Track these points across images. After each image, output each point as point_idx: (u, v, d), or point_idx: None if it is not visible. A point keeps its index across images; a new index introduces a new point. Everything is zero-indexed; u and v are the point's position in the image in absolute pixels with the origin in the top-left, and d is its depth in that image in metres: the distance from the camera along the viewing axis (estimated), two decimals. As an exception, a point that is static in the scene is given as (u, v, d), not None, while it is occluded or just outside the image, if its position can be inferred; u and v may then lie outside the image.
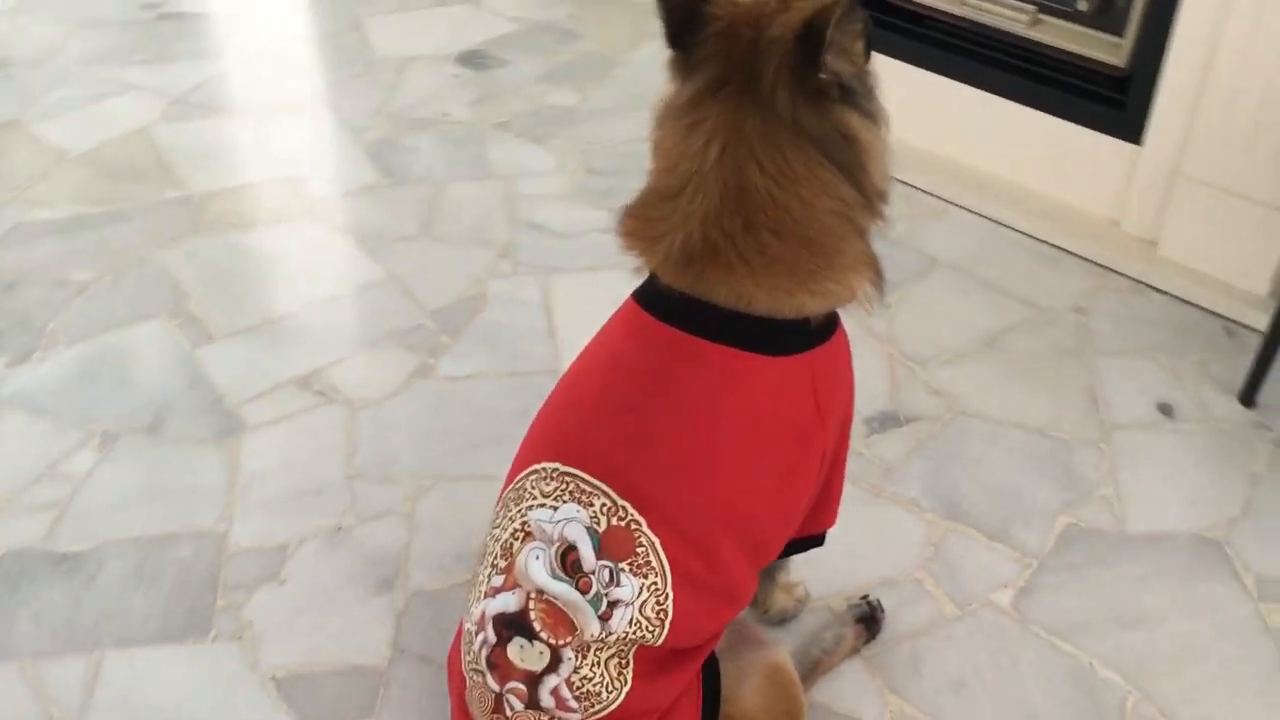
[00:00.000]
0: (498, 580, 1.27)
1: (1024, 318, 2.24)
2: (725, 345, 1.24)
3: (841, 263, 1.22)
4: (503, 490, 1.35)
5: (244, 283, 2.30)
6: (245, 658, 1.60)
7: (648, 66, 3.08)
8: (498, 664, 1.25)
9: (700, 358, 1.25)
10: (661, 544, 1.22)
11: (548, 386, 2.01)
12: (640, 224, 1.30)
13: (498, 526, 1.30)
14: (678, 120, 1.24)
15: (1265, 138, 2.11)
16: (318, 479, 1.88)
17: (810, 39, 1.13)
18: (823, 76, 1.15)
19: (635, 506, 1.21)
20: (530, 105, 2.91)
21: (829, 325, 1.29)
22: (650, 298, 1.32)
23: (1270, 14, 2.02)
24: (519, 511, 1.28)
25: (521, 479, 1.30)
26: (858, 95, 1.20)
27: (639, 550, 1.21)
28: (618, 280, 2.25)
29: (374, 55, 3.13)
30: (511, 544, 1.26)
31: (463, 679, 1.32)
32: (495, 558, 1.28)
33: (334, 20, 3.30)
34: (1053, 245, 2.41)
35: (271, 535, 1.78)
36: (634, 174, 2.59)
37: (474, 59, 3.13)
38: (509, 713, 1.25)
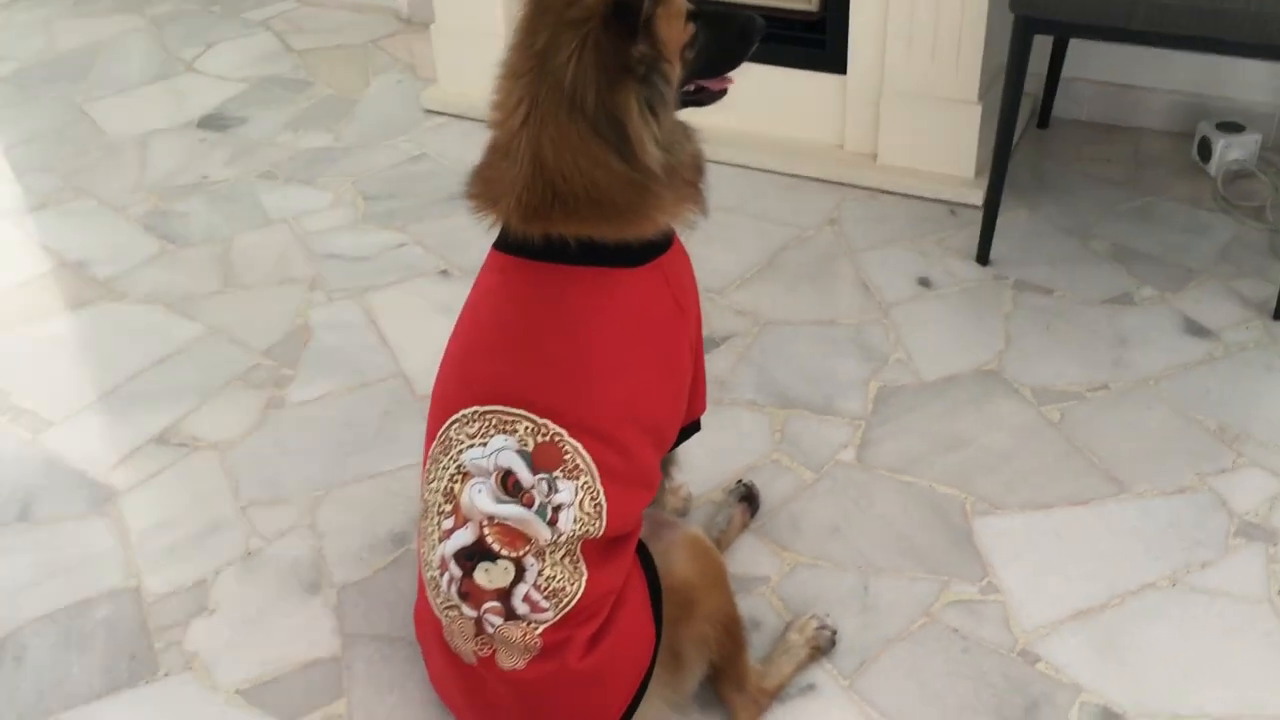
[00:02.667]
0: (447, 524, 1.42)
1: (790, 237, 2.56)
2: (590, 266, 1.40)
3: (643, 213, 1.37)
4: (426, 450, 1.49)
5: (64, 368, 2.31)
6: (203, 682, 1.67)
7: (385, 98, 3.25)
8: (469, 592, 1.40)
9: (573, 279, 1.39)
10: (584, 447, 1.40)
11: (399, 390, 2.19)
12: (483, 185, 1.41)
13: (433, 480, 1.45)
14: (507, 68, 1.36)
15: (943, 44, 2.52)
16: (211, 519, 1.95)
17: (624, 14, 1.26)
18: (634, 51, 1.28)
19: (554, 421, 1.38)
20: (286, 153, 3.01)
21: (668, 237, 1.50)
22: (511, 244, 1.41)
23: (923, -57, 2.43)
24: (450, 459, 1.43)
25: (444, 431, 1.45)
26: (652, 79, 1.32)
27: (566, 457, 1.39)
28: (429, 285, 2.48)
29: (110, 138, 3.13)
30: (451, 488, 1.42)
31: (436, 623, 1.46)
32: (439, 506, 1.43)
33: (56, 115, 3.26)
34: (797, 176, 2.76)
35: (185, 576, 1.84)
36: (408, 194, 2.81)
37: (214, 121, 3.18)
38: (490, 630, 1.40)
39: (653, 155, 1.35)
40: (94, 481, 2.03)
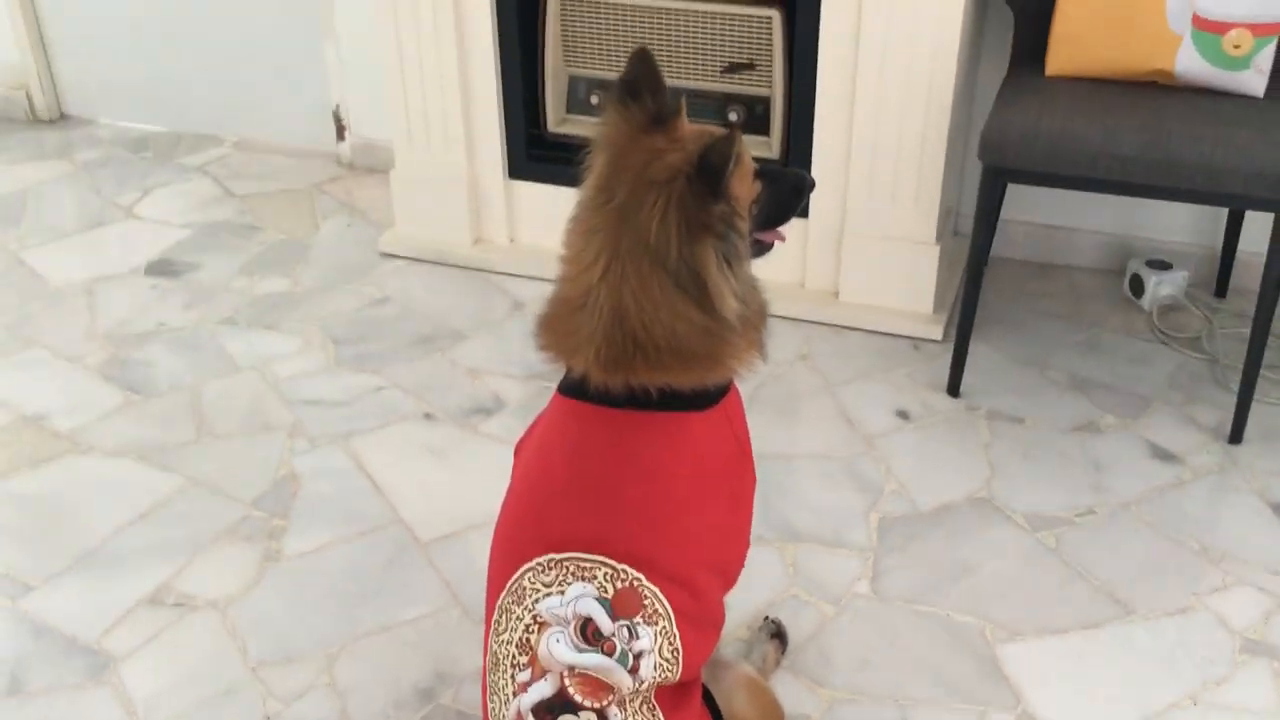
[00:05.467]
0: (524, 676, 1.40)
1: (766, 374, 2.63)
2: (663, 412, 1.46)
3: (720, 360, 1.42)
4: (491, 601, 1.47)
5: (37, 528, 2.19)
6: None
7: (338, 242, 3.25)
8: (551, 748, 1.37)
9: (648, 425, 1.43)
10: (661, 591, 1.41)
11: (400, 537, 2.16)
12: (556, 338, 1.45)
13: (504, 631, 1.43)
14: (580, 223, 1.41)
15: (903, 188, 2.67)
16: (221, 681, 1.86)
17: (708, 173, 1.31)
18: (715, 210, 1.34)
19: (633, 566, 1.40)
20: (245, 298, 2.97)
21: (730, 380, 1.56)
22: (583, 390, 1.43)
23: (889, 99, 2.58)
24: (525, 609, 1.41)
25: (515, 580, 1.44)
26: (729, 235, 1.37)
27: (646, 602, 1.40)
28: (414, 429, 2.49)
29: (52, 286, 3.04)
30: (527, 639, 1.40)
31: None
32: (512, 658, 1.41)
33: (-13, 261, 3.17)
34: (761, 313, 2.85)
35: (202, 745, 1.75)
36: (378, 337, 2.80)
37: (164, 268, 3.12)
38: (572, 787, 1.37)
39: (731, 307, 1.40)
40: (87, 648, 1.92)
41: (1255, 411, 2.39)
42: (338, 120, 3.69)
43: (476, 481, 2.29)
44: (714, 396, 1.47)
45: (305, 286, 3.02)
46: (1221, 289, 2.90)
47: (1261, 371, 2.34)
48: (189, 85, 3.89)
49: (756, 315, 1.49)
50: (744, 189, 1.43)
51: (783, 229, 1.57)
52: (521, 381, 2.60)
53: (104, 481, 2.32)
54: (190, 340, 2.79)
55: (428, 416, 2.50)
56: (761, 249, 1.56)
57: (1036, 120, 2.25)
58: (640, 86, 1.42)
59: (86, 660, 1.90)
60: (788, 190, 1.55)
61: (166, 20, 3.81)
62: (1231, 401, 2.41)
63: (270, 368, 2.67)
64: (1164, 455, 2.36)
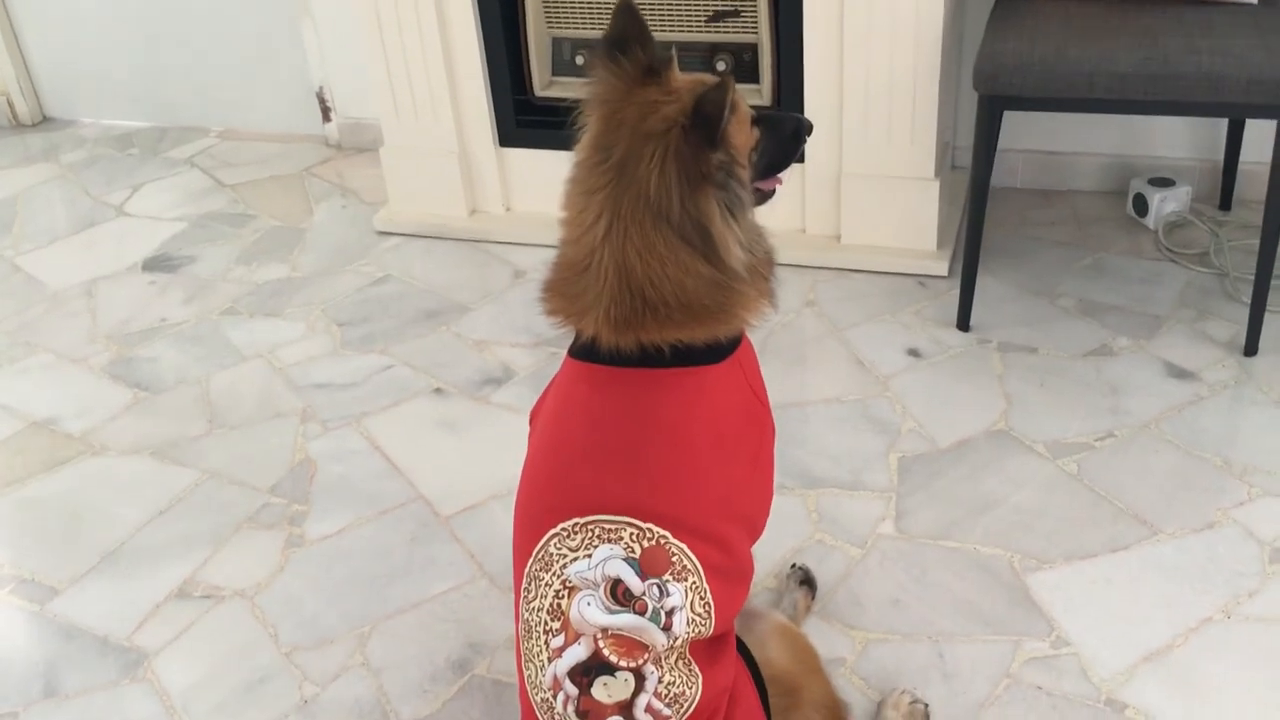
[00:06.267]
0: (558, 641, 1.39)
1: (775, 323, 2.62)
2: (677, 368, 1.45)
3: (730, 312, 1.41)
4: (518, 570, 1.46)
5: (58, 531, 2.19)
6: (290, 844, 1.58)
7: (333, 224, 3.23)
8: (589, 710, 1.37)
9: (664, 382, 1.42)
10: (689, 548, 1.40)
11: (422, 513, 2.15)
12: (563, 301, 1.42)
13: (534, 599, 1.42)
14: (579, 181, 1.39)
15: (898, 126, 2.64)
16: (256, 669, 1.86)
17: (703, 123, 1.29)
18: (714, 159, 1.32)
19: (658, 524, 1.39)
20: (245, 288, 2.95)
21: (741, 332, 1.54)
22: (594, 352, 1.41)
23: (877, 36, 2.54)
24: (553, 575, 1.40)
25: (541, 548, 1.43)
26: (730, 184, 1.36)
27: (674, 560, 1.39)
28: (426, 405, 2.48)
29: (51, 290, 3.03)
30: (558, 604, 1.39)
31: (548, 754, 1.42)
32: (545, 624, 1.40)
33: (-18, 270, 3.15)
34: (764, 262, 2.82)
35: (242, 733, 1.75)
36: (382, 316, 2.79)
37: (161, 263, 3.11)
38: (614, 747, 1.37)
39: (737, 257, 1.38)
40: (119, 646, 1.93)
41: (1268, 322, 2.37)
42: (322, 102, 3.65)
43: (492, 452, 2.28)
44: (727, 349, 1.46)
45: (304, 271, 3.00)
46: (1226, 202, 2.87)
47: (1272, 282, 2.31)
48: (169, 78, 3.86)
49: (764, 264, 1.47)
50: (742, 137, 1.41)
51: (782, 175, 1.55)
52: (529, 349, 2.59)
53: (120, 481, 2.31)
54: (193, 334, 2.78)
55: (438, 391, 2.49)
56: (763, 196, 1.54)
57: (1030, 45, 2.21)
58: (627, 40, 1.39)
59: (120, 658, 1.90)
60: (787, 135, 1.53)
61: (142, 15, 3.77)
62: (1243, 314, 2.39)
63: (276, 355, 2.66)
64: (1179, 373, 2.35)
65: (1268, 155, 2.21)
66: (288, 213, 3.31)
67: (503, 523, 2.02)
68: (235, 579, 2.04)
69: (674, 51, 1.42)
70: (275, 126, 3.78)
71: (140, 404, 2.54)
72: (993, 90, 2.25)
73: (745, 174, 1.41)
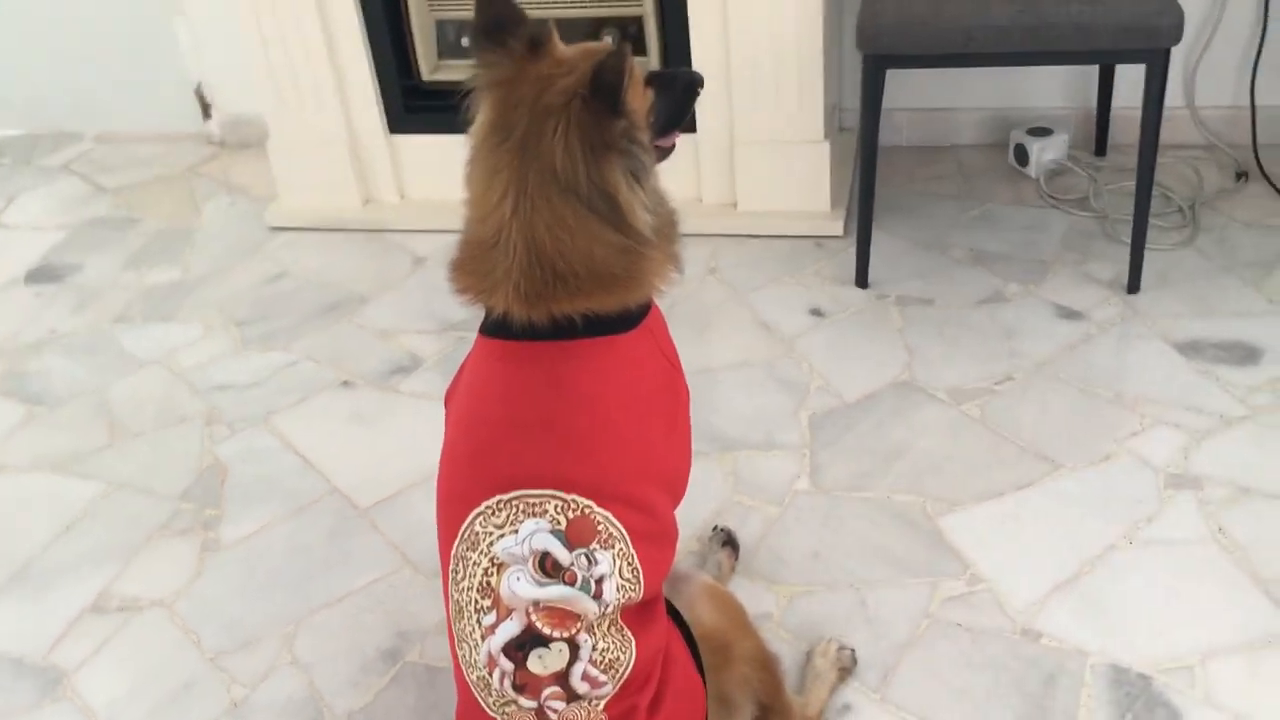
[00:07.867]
0: (489, 619, 1.40)
1: (678, 292, 2.61)
2: (589, 338, 1.45)
3: (640, 279, 1.43)
4: (444, 552, 1.46)
5: (-43, 555, 2.12)
6: (232, 847, 1.57)
7: (223, 222, 3.16)
8: (525, 684, 1.38)
9: (576, 353, 1.42)
10: (613, 515, 1.42)
11: (339, 506, 2.13)
12: (473, 279, 1.42)
13: (463, 579, 1.42)
14: (480, 163, 1.39)
15: (786, 91, 2.67)
16: (181, 676, 1.83)
17: (603, 92, 1.30)
18: (616, 126, 1.33)
19: (582, 494, 1.40)
20: (134, 293, 2.87)
21: (650, 299, 1.55)
22: (506, 328, 1.42)
23: (759, 3, 2.57)
24: (480, 554, 1.41)
25: (467, 527, 1.43)
26: (632, 149, 1.37)
27: (599, 528, 1.40)
28: (334, 399, 2.44)
29: (-71, 309, 2.91)
30: (487, 582, 1.40)
31: (490, 727, 1.43)
32: (475, 603, 1.41)
33: None
34: (663, 233, 2.85)
35: (173, 742, 1.72)
36: (281, 313, 2.73)
37: (44, 274, 3.01)
38: (553, 717, 1.39)
39: (644, 220, 1.40)
40: (35, 666, 1.88)
41: (1148, 260, 2.47)
42: (201, 99, 3.56)
43: (407, 441, 2.27)
44: (637, 317, 1.47)
45: (196, 272, 2.94)
46: (1101, 147, 2.98)
47: (1149, 221, 2.41)
48: (39, 83, 3.71)
49: (668, 226, 1.49)
50: (638, 101, 1.42)
51: (677, 131, 1.56)
52: (435, 335, 2.57)
53: (22, 499, 2.25)
54: (85, 343, 2.70)
55: (346, 384, 2.46)
56: (664, 154, 1.55)
57: (909, 3, 2.27)
58: (502, 23, 1.39)
59: (38, 679, 1.86)
60: (680, 91, 1.54)
61: (5, 18, 3.62)
62: (1125, 254, 2.49)
63: (174, 359, 2.60)
64: (1069, 314, 2.44)
65: (1138, 100, 2.30)
66: (174, 214, 3.22)
67: (422, 510, 2.01)
68: (152, 589, 2.00)
69: (551, 23, 1.42)
70: (154, 127, 3.67)
71: (35, 419, 2.46)
72: (875, 49, 2.30)
73: (645, 137, 1.42)
